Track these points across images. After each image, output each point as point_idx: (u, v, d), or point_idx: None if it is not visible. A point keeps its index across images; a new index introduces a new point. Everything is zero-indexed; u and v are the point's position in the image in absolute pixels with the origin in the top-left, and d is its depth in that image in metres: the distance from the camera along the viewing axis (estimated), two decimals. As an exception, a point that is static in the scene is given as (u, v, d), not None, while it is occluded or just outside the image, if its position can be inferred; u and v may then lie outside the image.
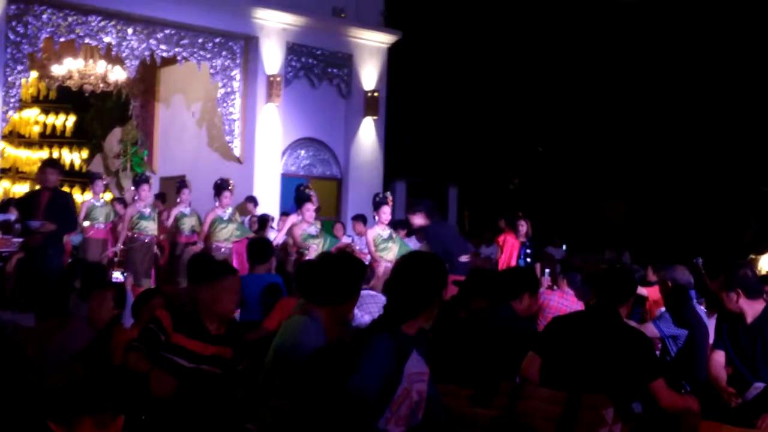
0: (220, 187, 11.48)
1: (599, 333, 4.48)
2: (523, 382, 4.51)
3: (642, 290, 8.56)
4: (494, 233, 15.86)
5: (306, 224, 10.22)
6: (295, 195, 10.89)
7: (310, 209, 10.27)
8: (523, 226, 12.54)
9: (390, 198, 10.49)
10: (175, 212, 12.08)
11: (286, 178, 15.31)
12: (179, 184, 12.31)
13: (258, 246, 7.82)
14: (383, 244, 10.03)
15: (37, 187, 9.64)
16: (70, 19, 13.45)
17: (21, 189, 17.70)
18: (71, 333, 5.38)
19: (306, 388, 3.63)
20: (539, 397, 4.33)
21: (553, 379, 4.44)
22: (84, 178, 20.08)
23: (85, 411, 2.94)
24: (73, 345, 5.19)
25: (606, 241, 18.88)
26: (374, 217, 10.41)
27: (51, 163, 9.83)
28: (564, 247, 17.17)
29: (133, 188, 12.11)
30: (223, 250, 11.12)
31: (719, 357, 5.13)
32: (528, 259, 12.41)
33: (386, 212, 10.18)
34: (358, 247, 11.26)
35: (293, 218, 10.87)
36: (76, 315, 5.87)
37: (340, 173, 16.06)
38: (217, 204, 11.43)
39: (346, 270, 4.14)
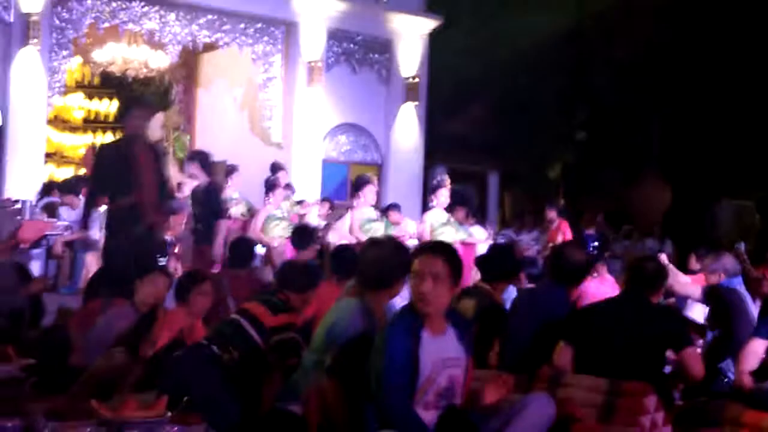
0: (273, 184, 11.24)
1: (629, 317, 4.59)
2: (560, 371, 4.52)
3: (685, 278, 8.48)
4: (535, 219, 15.78)
5: (367, 207, 9.87)
6: (354, 183, 10.54)
7: (372, 191, 9.90)
8: (599, 218, 12.24)
9: (448, 181, 10.32)
10: (224, 196, 12.01)
11: (327, 164, 15.36)
12: (229, 168, 12.26)
13: (301, 232, 7.84)
14: (441, 228, 9.91)
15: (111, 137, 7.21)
16: (113, 4, 13.58)
17: (65, 173, 17.88)
18: (115, 316, 5.45)
19: (351, 368, 3.70)
20: (579, 384, 4.32)
21: (589, 367, 4.46)
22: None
23: (129, 392, 2.99)
24: (116, 328, 5.26)
25: (648, 228, 18.66)
26: (431, 201, 10.30)
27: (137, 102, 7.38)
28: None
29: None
30: (276, 245, 10.66)
31: (756, 345, 5.05)
32: (595, 251, 12.01)
33: (444, 195, 10.04)
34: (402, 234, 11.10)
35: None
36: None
37: (381, 159, 16.07)
38: (269, 201, 11.15)
39: (392, 254, 4.21)
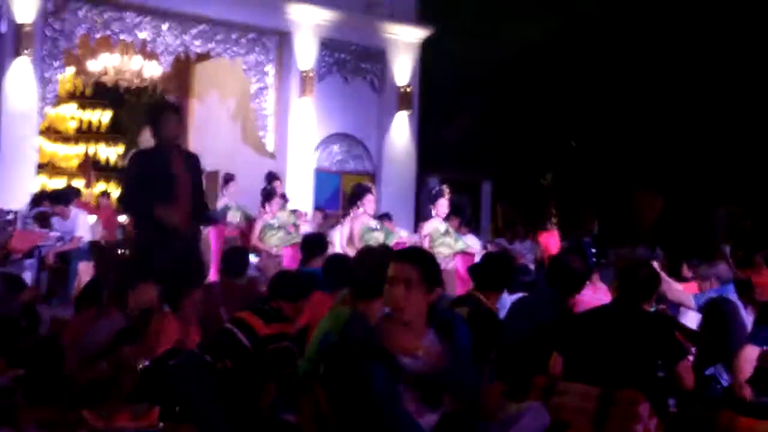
0: (270, 194, 11.11)
1: (621, 325, 4.58)
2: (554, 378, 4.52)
3: (677, 286, 8.47)
4: (527, 228, 15.80)
5: (366, 216, 9.62)
6: (351, 192, 10.39)
7: (371, 201, 9.62)
8: (591, 223, 12.24)
9: (447, 190, 10.22)
10: (220, 205, 12.01)
11: (320, 174, 15.35)
12: (226, 176, 12.24)
13: (311, 241, 7.82)
14: (441, 238, 9.84)
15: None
16: (105, 15, 13.58)
17: (58, 184, 17.84)
18: (106, 325, 5.43)
19: (344, 377, 3.69)
20: (572, 392, 4.32)
21: (582, 375, 4.45)
22: (120, 174, 20.26)
23: (121, 402, 2.98)
24: (106, 337, 5.23)
25: (640, 236, 18.68)
26: (431, 211, 10.22)
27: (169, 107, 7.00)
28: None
29: None
30: (274, 254, 10.71)
31: (751, 352, 5.05)
32: (593, 259, 11.84)
33: (444, 205, 9.90)
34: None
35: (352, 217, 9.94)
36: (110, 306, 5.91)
37: (373, 168, 16.07)
38: (266, 210, 11.19)
39: (385, 263, 4.20)
